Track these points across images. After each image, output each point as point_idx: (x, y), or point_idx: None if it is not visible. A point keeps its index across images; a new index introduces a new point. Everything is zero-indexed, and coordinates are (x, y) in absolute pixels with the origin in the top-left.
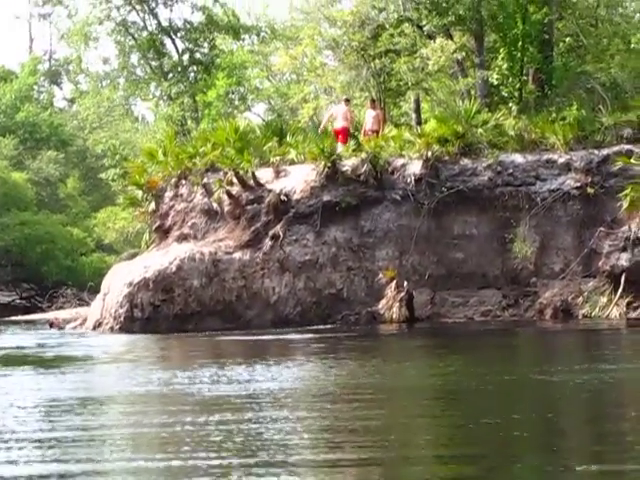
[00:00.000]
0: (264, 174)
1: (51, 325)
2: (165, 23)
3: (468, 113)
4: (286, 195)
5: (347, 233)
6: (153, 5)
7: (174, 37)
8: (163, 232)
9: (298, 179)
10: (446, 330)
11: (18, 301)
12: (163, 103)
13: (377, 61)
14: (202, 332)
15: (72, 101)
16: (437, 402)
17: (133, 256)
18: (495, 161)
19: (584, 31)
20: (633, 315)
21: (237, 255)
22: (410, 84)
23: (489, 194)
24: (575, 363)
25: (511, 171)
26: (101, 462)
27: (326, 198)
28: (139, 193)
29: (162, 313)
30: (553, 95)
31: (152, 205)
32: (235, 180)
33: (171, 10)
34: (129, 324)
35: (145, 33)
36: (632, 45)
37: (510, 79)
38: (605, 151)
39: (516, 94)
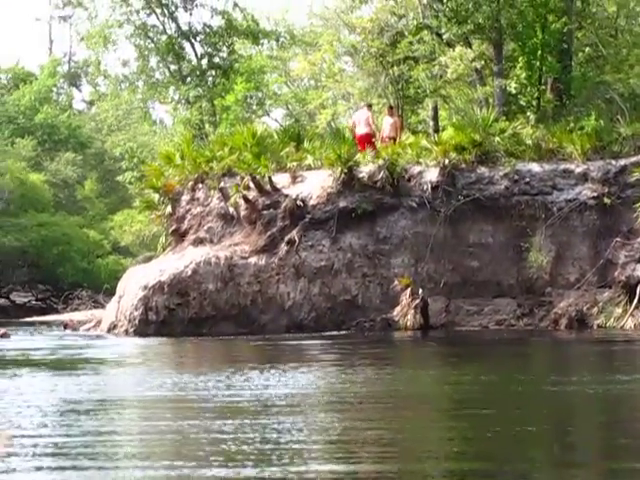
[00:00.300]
0: (281, 179)
1: (65, 327)
2: (184, 27)
3: (486, 121)
4: (302, 200)
5: (363, 239)
6: (173, 9)
7: (193, 41)
8: (179, 236)
9: (314, 185)
10: (460, 338)
11: (34, 302)
12: (181, 107)
13: (395, 68)
14: (216, 336)
15: (91, 103)
16: (451, 411)
17: (149, 259)
18: (512, 170)
19: (603, 41)
20: None
21: (253, 260)
22: (428, 91)
23: (505, 203)
24: (589, 374)
25: (528, 180)
26: (113, 469)
27: (342, 204)
28: (156, 196)
29: (177, 317)
30: (571, 105)
31: (169, 208)
32: (252, 185)
33: (191, 14)
34: (144, 327)
35: (164, 37)
36: None
37: (528, 88)
38: (622, 161)
39: (534, 103)
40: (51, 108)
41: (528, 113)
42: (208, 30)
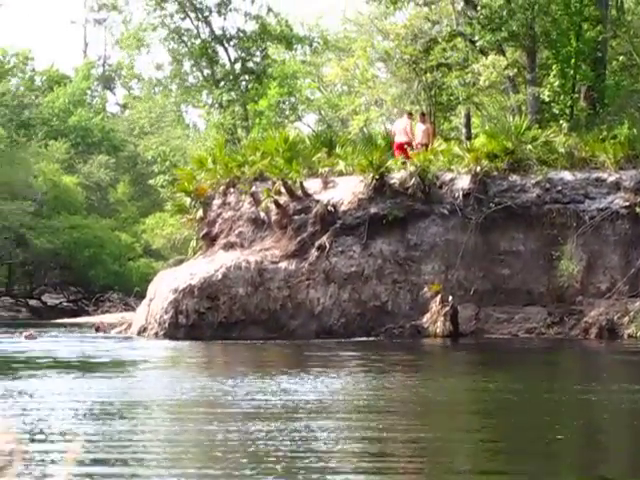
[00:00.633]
0: (312, 184)
1: (97, 329)
2: (218, 31)
3: (518, 129)
4: (333, 206)
5: (393, 246)
6: (207, 13)
7: (227, 45)
8: (210, 240)
9: (346, 190)
10: (490, 346)
11: (65, 304)
12: (214, 111)
13: (428, 75)
14: (246, 340)
15: (124, 106)
16: (479, 419)
17: (180, 263)
18: (544, 178)
19: (638, 50)
20: None
21: (283, 265)
22: (461, 99)
23: (537, 211)
24: (618, 383)
25: (560, 188)
26: (145, 477)
27: (373, 210)
28: (187, 200)
29: (206, 320)
30: (604, 113)
31: (200, 212)
32: (283, 190)
33: (224, 18)
34: (173, 330)
35: (198, 41)
36: None
37: (562, 96)
38: None
39: (567, 111)
40: (85, 111)
41: (561, 121)
42: (242, 35)
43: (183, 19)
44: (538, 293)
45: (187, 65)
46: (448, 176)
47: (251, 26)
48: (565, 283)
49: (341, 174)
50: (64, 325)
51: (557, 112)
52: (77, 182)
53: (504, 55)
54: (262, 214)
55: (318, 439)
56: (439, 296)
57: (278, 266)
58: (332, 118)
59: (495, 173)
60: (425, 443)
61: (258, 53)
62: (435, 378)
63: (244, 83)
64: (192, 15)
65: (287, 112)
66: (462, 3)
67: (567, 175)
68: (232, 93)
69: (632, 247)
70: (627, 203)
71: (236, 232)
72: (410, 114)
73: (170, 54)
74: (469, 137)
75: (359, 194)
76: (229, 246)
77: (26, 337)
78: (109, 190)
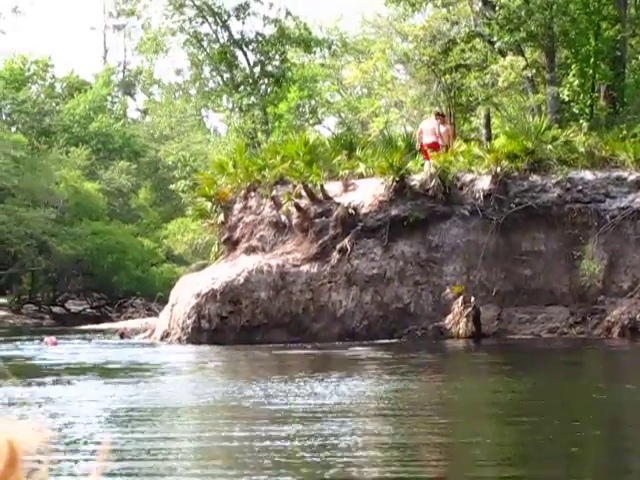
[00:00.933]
0: (333, 187)
1: (122, 336)
2: (237, 35)
3: (538, 129)
4: (354, 209)
5: (415, 247)
6: (225, 17)
7: (246, 49)
8: (231, 244)
9: (366, 193)
10: (513, 347)
11: (88, 310)
12: (234, 115)
13: (447, 76)
14: (268, 344)
15: (145, 112)
16: (504, 420)
17: (202, 267)
18: (564, 178)
19: None
20: None
21: (305, 268)
22: (480, 99)
23: (558, 211)
24: None
25: (580, 188)
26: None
27: (394, 212)
28: (208, 205)
29: (229, 325)
30: (624, 112)
31: (221, 217)
32: (304, 193)
33: (243, 22)
34: (196, 335)
35: (217, 45)
36: None
37: (581, 96)
38: None
39: (587, 111)
40: (105, 117)
41: (581, 121)
42: (260, 38)
43: (201, 24)
44: (560, 293)
45: (207, 70)
46: (468, 177)
47: (270, 30)
48: (587, 282)
49: (361, 176)
50: (87, 331)
51: (577, 112)
52: (99, 188)
53: (523, 55)
54: (283, 218)
55: (342, 442)
56: (461, 297)
57: (300, 269)
58: (352, 121)
59: (515, 173)
60: (450, 442)
61: (277, 57)
62: (459, 380)
63: (264, 87)
64: (210, 20)
65: (307, 115)
66: (480, 4)
67: (588, 174)
68: (252, 97)
69: None
70: None
71: (257, 236)
72: (438, 114)
73: (189, 59)
74: (489, 138)
75: (380, 196)
76: (251, 250)
77: (47, 343)
78: (131, 196)
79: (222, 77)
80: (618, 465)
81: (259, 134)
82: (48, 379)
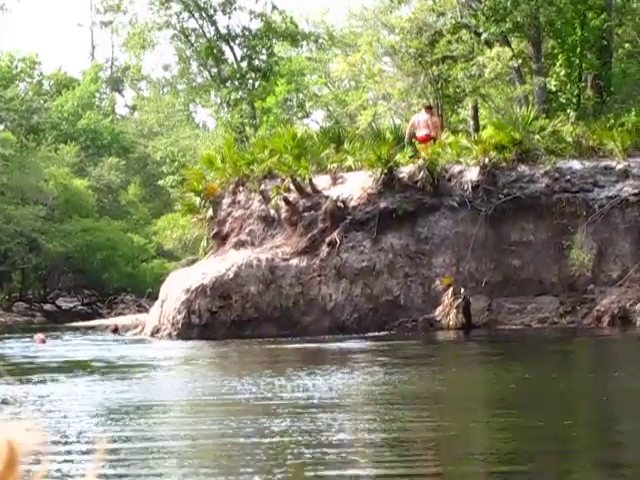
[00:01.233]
0: (321, 181)
1: (114, 331)
2: (223, 30)
3: (525, 120)
4: (343, 202)
5: (404, 240)
6: (211, 12)
7: (232, 44)
8: (221, 239)
9: (355, 186)
10: (503, 337)
11: (79, 307)
12: (222, 110)
13: (434, 68)
14: (259, 338)
15: (133, 108)
16: (496, 411)
17: (192, 263)
18: (552, 168)
19: None
20: None
21: (294, 262)
22: (467, 91)
23: (546, 201)
24: (633, 371)
25: (568, 178)
26: (166, 476)
27: (383, 205)
28: (197, 200)
29: (219, 319)
30: (611, 101)
31: (210, 212)
32: (292, 187)
33: (229, 17)
34: (186, 330)
35: (204, 40)
36: None
37: (568, 85)
38: None
39: (574, 100)
40: (94, 113)
41: (568, 110)
42: (247, 33)
43: (188, 19)
44: (550, 283)
45: (194, 65)
46: (457, 168)
47: (256, 24)
48: (576, 272)
49: (350, 169)
50: (78, 328)
51: (564, 101)
52: (88, 185)
53: (509, 46)
54: (272, 212)
55: (334, 435)
56: (451, 289)
57: (289, 263)
58: (340, 114)
59: (503, 164)
60: (444, 435)
61: (264, 51)
62: (450, 371)
63: (251, 81)
64: (197, 14)
65: (295, 109)
66: None
67: (575, 164)
68: (239, 92)
69: None
70: (636, 190)
71: (246, 230)
72: (428, 107)
73: (177, 54)
74: (477, 129)
75: (368, 189)
76: (240, 245)
77: (36, 341)
78: (120, 192)
79: (210, 72)
80: (609, 459)
81: (247, 128)
82: (38, 377)
